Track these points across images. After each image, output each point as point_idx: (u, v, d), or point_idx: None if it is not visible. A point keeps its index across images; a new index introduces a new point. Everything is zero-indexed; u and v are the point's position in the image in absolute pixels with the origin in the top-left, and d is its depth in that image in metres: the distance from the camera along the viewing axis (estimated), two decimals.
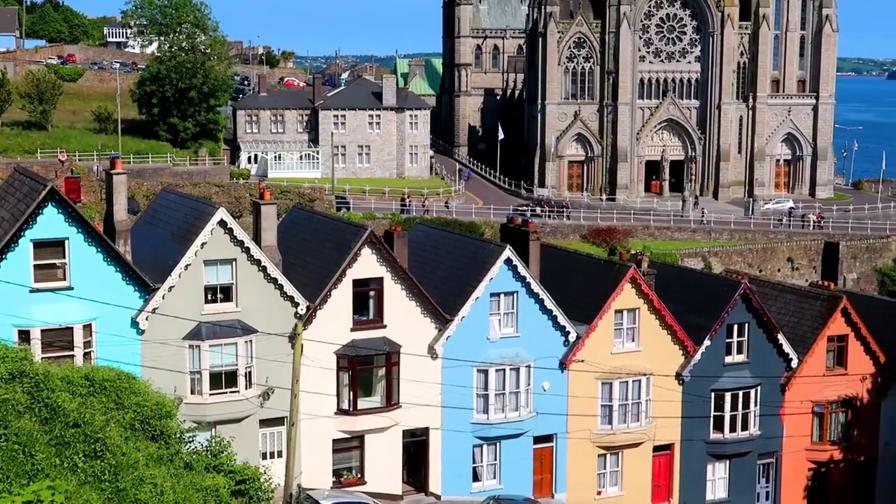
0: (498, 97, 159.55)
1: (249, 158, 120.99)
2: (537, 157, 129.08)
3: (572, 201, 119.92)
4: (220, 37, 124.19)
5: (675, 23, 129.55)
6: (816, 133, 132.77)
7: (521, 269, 44.76)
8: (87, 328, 37.83)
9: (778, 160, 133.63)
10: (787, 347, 49.14)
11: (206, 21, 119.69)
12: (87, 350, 37.64)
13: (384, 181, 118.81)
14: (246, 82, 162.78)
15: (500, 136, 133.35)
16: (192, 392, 39.94)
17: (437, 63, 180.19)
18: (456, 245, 47.66)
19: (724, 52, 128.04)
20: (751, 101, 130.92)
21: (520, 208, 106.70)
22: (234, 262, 40.32)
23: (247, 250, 40.40)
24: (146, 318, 38.92)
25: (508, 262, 44.49)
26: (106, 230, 40.03)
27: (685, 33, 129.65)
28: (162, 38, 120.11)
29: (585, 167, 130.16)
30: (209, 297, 40.21)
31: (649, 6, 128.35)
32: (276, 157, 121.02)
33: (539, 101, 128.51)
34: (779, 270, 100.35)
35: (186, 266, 39.45)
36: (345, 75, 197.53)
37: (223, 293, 40.47)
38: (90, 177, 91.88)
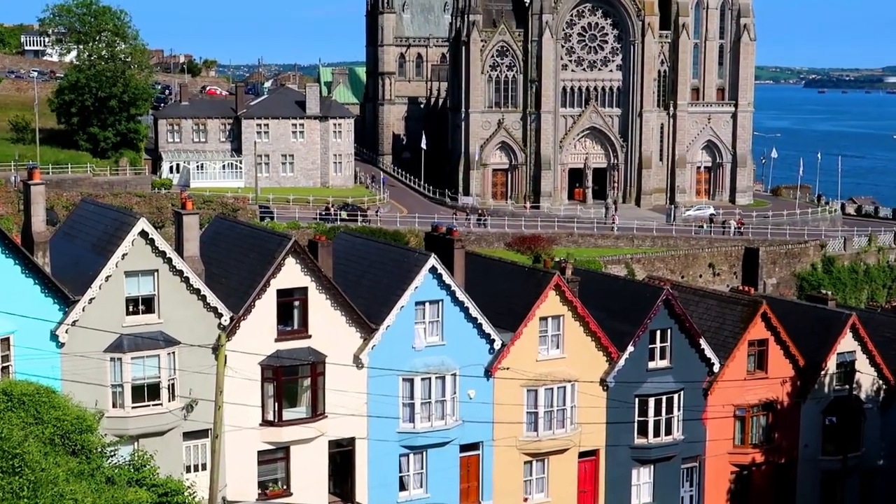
0: (422, 106, 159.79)
1: (171, 168, 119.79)
2: (461, 165, 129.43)
3: (497, 209, 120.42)
4: (141, 45, 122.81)
5: (597, 32, 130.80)
6: (736, 140, 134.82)
7: (446, 278, 44.80)
8: (5, 342, 37.11)
9: (699, 167, 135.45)
10: (709, 352, 49.73)
11: (126, 29, 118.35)
12: (4, 364, 36.92)
13: (308, 190, 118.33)
14: (167, 91, 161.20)
15: (424, 144, 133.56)
16: (114, 405, 39.35)
17: (361, 72, 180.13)
18: (381, 254, 47.57)
19: (645, 60, 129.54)
20: (672, 109, 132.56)
21: (450, 218, 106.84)
22: (155, 273, 39.84)
23: (169, 261, 39.95)
24: (66, 331, 38.30)
25: (433, 270, 44.50)
26: (24, 242, 39.32)
27: (607, 42, 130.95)
28: (81, 47, 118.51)
29: (509, 175, 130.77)
30: (131, 308, 39.68)
31: (571, 15, 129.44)
32: (198, 166, 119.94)
33: (463, 109, 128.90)
34: (700, 276, 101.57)
35: (107, 277, 38.89)
36: (268, 84, 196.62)
37: (145, 304, 39.96)
38: (8, 187, 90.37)
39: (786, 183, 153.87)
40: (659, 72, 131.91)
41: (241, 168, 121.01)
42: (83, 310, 38.49)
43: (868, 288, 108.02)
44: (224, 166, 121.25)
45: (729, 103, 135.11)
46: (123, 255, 39.16)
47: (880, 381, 54.11)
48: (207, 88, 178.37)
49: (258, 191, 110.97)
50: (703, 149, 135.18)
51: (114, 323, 39.08)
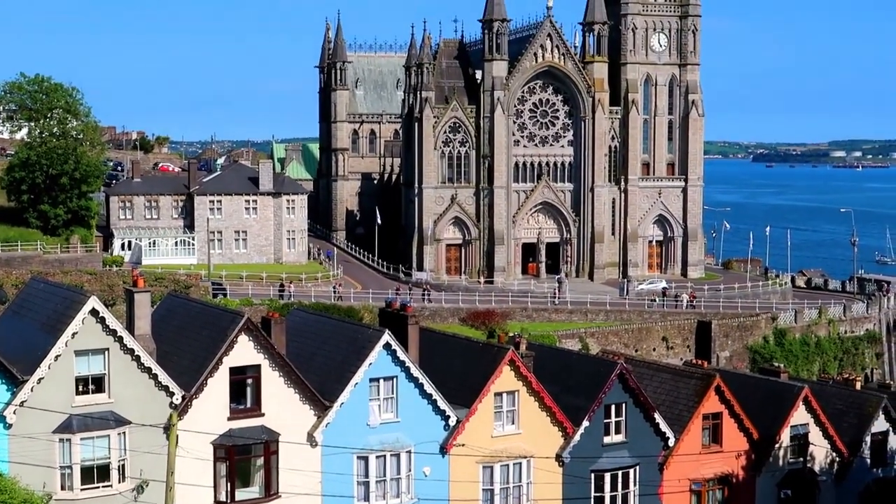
0: (375, 181, 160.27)
1: (123, 245, 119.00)
2: (415, 240, 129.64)
3: (451, 284, 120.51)
4: (93, 122, 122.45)
5: (548, 108, 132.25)
6: (686, 214, 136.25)
7: (401, 354, 44.63)
8: None
9: (650, 241, 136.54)
10: (663, 426, 49.73)
11: (79, 106, 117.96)
12: None
13: (261, 266, 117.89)
14: (119, 168, 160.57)
15: (378, 220, 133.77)
16: (63, 488, 38.63)
17: (314, 147, 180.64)
18: (334, 330, 47.37)
19: (596, 136, 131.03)
20: (623, 183, 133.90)
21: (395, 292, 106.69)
22: (106, 352, 39.41)
23: (120, 339, 39.55)
24: (14, 412, 37.66)
25: (387, 346, 44.34)
26: None
27: (558, 118, 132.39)
28: (32, 124, 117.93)
29: (463, 250, 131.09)
30: (80, 388, 39.16)
31: (522, 92, 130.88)
32: (150, 243, 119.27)
33: (416, 184, 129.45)
34: (654, 350, 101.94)
35: (56, 357, 38.40)
36: (221, 160, 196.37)
37: (95, 384, 39.46)
38: None
39: (736, 256, 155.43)
40: (610, 147, 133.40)
41: (193, 244, 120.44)
42: (31, 390, 37.92)
43: (819, 360, 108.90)
44: (176, 243, 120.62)
45: (679, 178, 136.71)
46: (73, 334, 38.74)
47: (834, 454, 54.32)
48: (160, 165, 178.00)
49: (211, 267, 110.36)
50: (654, 223, 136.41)
51: (63, 403, 38.50)
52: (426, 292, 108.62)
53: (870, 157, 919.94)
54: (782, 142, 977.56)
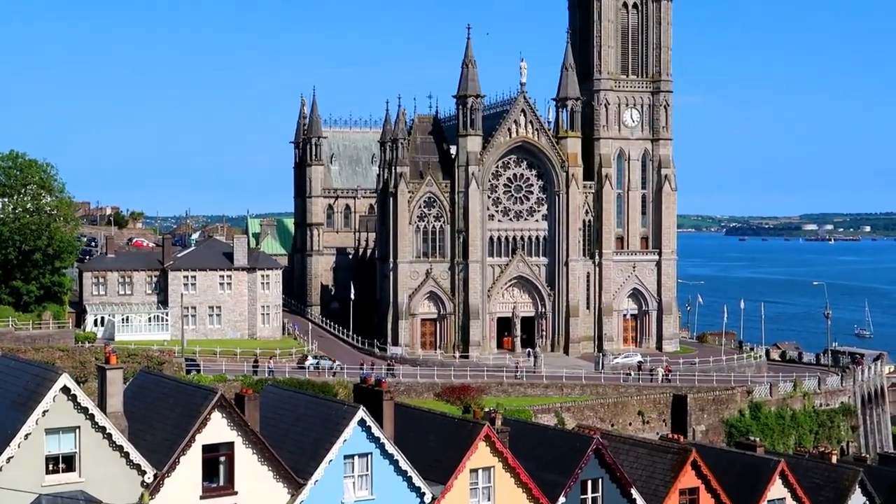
0: (350, 256, 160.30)
1: (96, 321, 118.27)
2: (390, 315, 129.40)
3: (426, 359, 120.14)
4: (67, 198, 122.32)
5: (523, 182, 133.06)
6: (661, 288, 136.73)
7: (375, 430, 44.29)
8: None
9: (625, 315, 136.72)
10: (640, 502, 49.35)
11: (52, 182, 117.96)
12: None
13: (235, 342, 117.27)
14: (93, 243, 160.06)
15: (353, 294, 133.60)
16: None
17: (289, 222, 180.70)
18: (309, 406, 46.99)
19: (570, 210, 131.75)
20: (597, 257, 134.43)
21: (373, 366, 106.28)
22: (77, 430, 38.92)
23: (91, 417, 39.09)
24: None
25: (362, 423, 44.00)
26: None
27: (532, 192, 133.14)
28: (6, 200, 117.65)
29: (438, 325, 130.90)
30: (51, 467, 38.57)
31: (497, 167, 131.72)
32: (123, 319, 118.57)
33: (391, 259, 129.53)
34: (630, 424, 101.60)
35: (26, 435, 37.89)
36: (195, 235, 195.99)
37: (66, 463, 38.89)
38: None
39: (711, 329, 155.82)
40: (584, 221, 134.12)
41: (167, 320, 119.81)
42: (0, 469, 37.34)
43: (795, 433, 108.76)
44: (150, 319, 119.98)
45: (653, 252, 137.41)
46: (44, 412, 38.28)
47: None
48: (134, 240, 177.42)
49: (184, 343, 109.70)
50: (629, 296, 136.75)
51: (33, 483, 37.92)
52: (391, 367, 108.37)
53: (841, 230, 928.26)
54: (755, 215, 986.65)
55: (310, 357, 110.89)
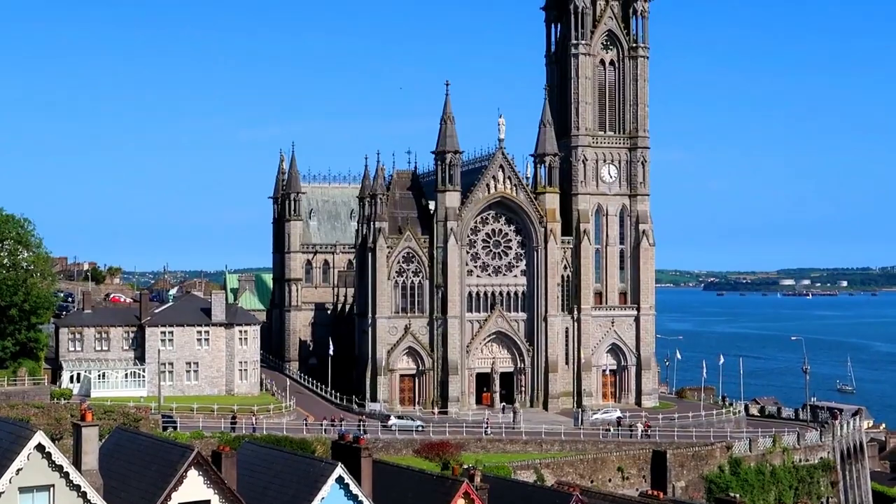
0: (329, 311, 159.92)
1: (72, 377, 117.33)
2: (369, 371, 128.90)
3: (404, 415, 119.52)
4: (44, 253, 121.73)
5: (501, 238, 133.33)
6: (639, 343, 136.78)
7: (353, 487, 43.94)
8: None
9: (604, 370, 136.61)
10: None
11: (30, 238, 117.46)
12: None
13: (213, 399, 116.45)
14: (70, 299, 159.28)
15: (332, 350, 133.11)
16: None
17: (268, 278, 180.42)
18: (286, 464, 46.62)
19: (549, 266, 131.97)
20: (576, 312, 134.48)
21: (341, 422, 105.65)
22: (51, 489, 38.49)
23: (66, 475, 38.68)
24: None
25: (340, 480, 43.67)
26: None
27: (511, 248, 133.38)
28: None
29: (417, 380, 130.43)
30: None
31: (475, 222, 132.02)
32: (100, 375, 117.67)
33: (370, 315, 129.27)
34: (609, 480, 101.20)
35: (0, 494, 37.45)
36: (173, 291, 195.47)
37: None
38: None
39: (690, 385, 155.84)
40: (562, 276, 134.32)
41: (144, 377, 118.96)
42: None
43: (775, 489, 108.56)
44: (126, 375, 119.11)
45: (631, 307, 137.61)
46: (18, 471, 37.87)
47: None
48: (111, 296, 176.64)
49: (161, 400, 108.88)
50: (607, 352, 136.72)
51: None
52: (362, 421, 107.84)
53: (818, 285, 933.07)
54: (732, 270, 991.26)
55: (393, 416, 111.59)
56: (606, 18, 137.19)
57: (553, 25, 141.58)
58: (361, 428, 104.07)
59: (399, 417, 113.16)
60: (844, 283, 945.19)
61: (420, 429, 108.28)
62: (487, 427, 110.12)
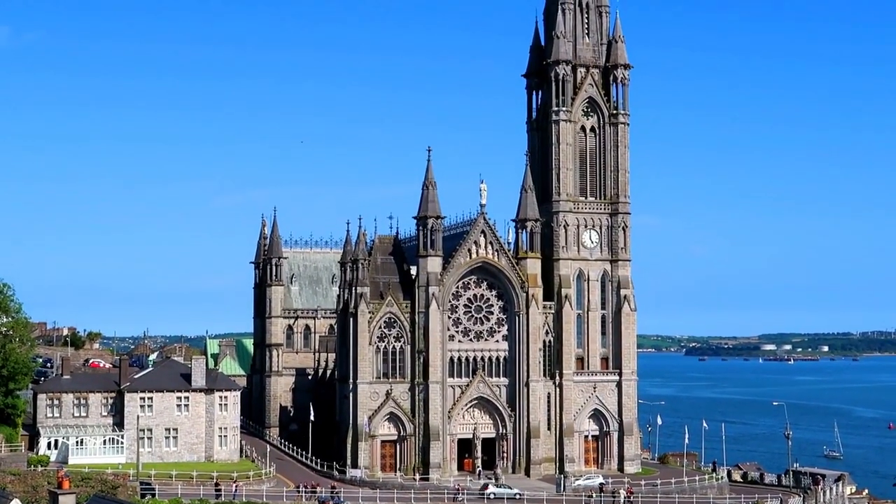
0: (310, 377, 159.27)
1: (50, 444, 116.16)
2: (350, 436, 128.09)
3: (386, 481, 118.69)
4: (23, 319, 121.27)
5: (483, 303, 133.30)
6: (622, 409, 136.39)
7: None
8: None
9: (586, 436, 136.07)
10: None
11: (9, 303, 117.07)
12: None
13: (192, 465, 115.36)
14: (49, 364, 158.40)
15: (312, 416, 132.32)
16: None
17: (249, 343, 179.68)
18: None
19: (531, 331, 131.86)
20: (558, 378, 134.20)
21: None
22: None
23: None
24: None
25: None
26: None
27: (492, 313, 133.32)
28: None
29: (398, 446, 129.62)
30: None
31: (457, 287, 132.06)
32: (78, 441, 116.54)
33: (351, 380, 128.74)
34: None
35: None
36: (153, 356, 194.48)
37: None
38: None
39: (672, 450, 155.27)
40: (544, 341, 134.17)
41: (122, 443, 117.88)
42: None
43: None
44: (105, 441, 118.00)
45: (613, 372, 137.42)
46: None
47: None
48: (91, 361, 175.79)
49: (140, 466, 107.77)
50: (590, 417, 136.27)
51: None
52: (335, 491, 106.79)
53: (799, 350, 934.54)
54: (714, 335, 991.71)
55: (491, 485, 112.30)
56: (587, 86, 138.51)
57: (534, 92, 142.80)
58: (337, 500, 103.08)
59: (497, 486, 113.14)
60: (825, 349, 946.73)
61: (519, 496, 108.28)
62: (458, 496, 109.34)
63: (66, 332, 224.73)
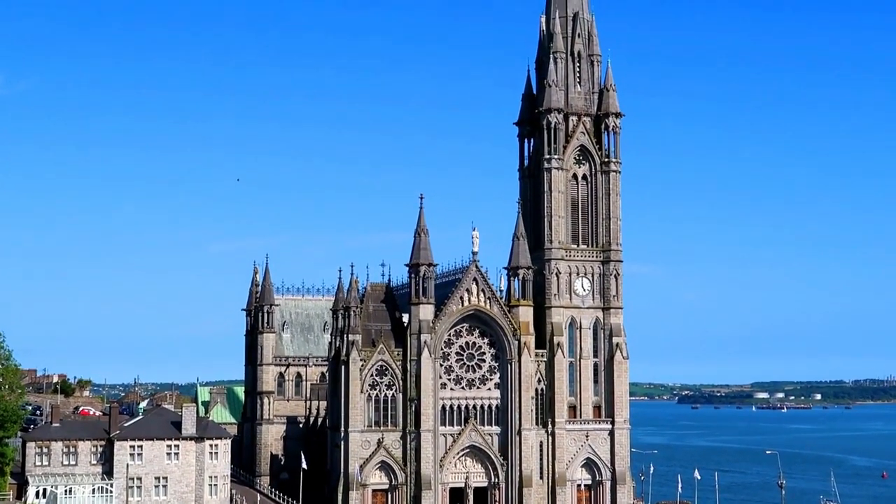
0: (301, 425, 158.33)
1: (38, 493, 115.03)
2: (341, 485, 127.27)
3: None
4: (13, 366, 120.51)
5: (475, 351, 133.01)
6: (614, 457, 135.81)
7: None
8: None
9: (579, 485, 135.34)
10: None
11: None
12: None
13: None
14: (38, 412, 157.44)
15: (304, 464, 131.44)
16: None
17: (240, 390, 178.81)
18: None
19: (523, 379, 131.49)
20: (550, 426, 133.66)
21: None
22: None
23: None
24: None
25: None
26: None
27: (484, 361, 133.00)
28: None
29: (390, 495, 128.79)
30: None
31: (449, 335, 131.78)
32: (66, 490, 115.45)
33: (342, 428, 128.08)
34: None
35: None
36: (143, 404, 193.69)
37: None
38: None
39: (666, 499, 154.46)
40: (537, 390, 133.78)
41: (112, 492, 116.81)
42: None
43: None
44: (94, 490, 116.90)
45: (606, 420, 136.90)
46: None
47: None
48: (81, 409, 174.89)
49: None
50: (582, 466, 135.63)
51: None
52: None
53: (792, 398, 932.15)
54: (706, 383, 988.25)
55: None
56: (579, 134, 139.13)
57: (526, 140, 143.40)
58: None
59: None
60: (818, 397, 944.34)
61: None
62: None
63: (56, 379, 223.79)
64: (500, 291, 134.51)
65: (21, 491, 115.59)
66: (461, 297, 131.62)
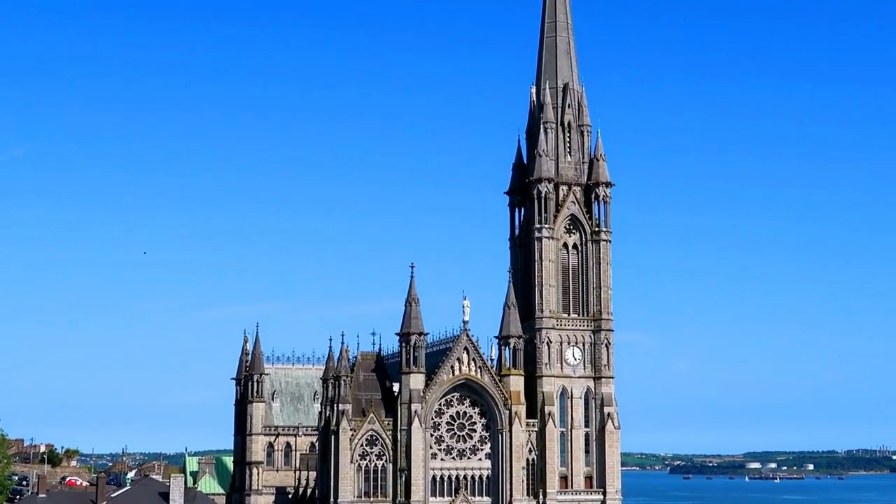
0: (290, 496, 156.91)
1: None
2: None
3: None
4: (0, 436, 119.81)
5: (466, 420, 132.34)
6: None
7: None
8: None
9: None
10: None
11: None
12: None
13: None
14: (24, 482, 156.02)
15: None
16: None
17: (228, 461, 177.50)
18: None
19: (514, 449, 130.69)
20: (541, 497, 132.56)
21: None
22: None
23: None
24: None
25: None
26: None
27: (475, 431, 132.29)
28: None
29: None
30: None
31: (440, 404, 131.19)
32: None
33: (332, 499, 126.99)
34: None
35: None
36: (131, 474, 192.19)
37: None
38: None
39: None
40: (528, 460, 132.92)
41: None
42: None
43: None
44: None
45: (598, 491, 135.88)
46: None
47: None
48: (68, 479, 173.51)
49: None
50: None
51: None
52: None
53: (785, 468, 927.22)
54: (698, 453, 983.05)
55: None
56: (569, 203, 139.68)
57: (517, 209, 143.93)
58: None
59: None
60: (811, 467, 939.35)
61: None
62: None
63: (43, 448, 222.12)
64: (491, 360, 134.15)
65: None
66: (452, 367, 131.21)
